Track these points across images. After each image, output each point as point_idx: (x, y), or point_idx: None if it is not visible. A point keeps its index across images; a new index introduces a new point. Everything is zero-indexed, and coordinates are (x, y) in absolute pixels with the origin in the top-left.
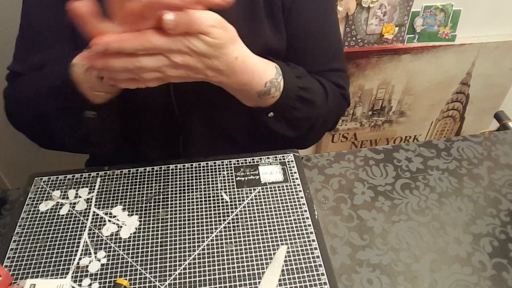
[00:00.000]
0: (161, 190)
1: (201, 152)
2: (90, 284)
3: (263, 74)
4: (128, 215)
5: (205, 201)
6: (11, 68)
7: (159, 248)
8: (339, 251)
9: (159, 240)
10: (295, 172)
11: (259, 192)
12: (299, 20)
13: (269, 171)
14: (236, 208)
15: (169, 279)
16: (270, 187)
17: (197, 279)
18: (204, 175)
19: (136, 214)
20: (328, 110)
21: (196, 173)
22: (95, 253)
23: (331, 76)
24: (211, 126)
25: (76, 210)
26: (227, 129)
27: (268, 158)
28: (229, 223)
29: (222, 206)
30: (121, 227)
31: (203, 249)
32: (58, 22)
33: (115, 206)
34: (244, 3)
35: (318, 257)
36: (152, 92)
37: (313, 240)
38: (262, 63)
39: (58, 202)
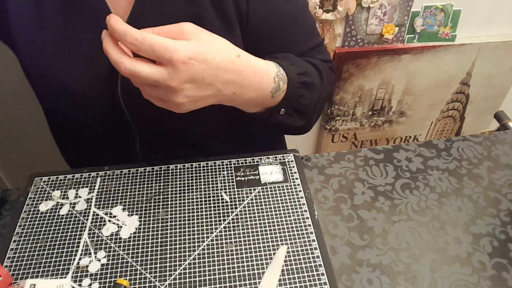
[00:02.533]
0: (161, 190)
1: (160, 155)
2: (90, 284)
3: (269, 70)
4: (128, 215)
5: (205, 201)
6: None
7: (159, 248)
8: (339, 251)
9: (159, 240)
10: (295, 172)
11: (259, 192)
12: (262, 18)
13: (269, 171)
14: (236, 208)
15: (169, 279)
16: (270, 187)
17: (197, 279)
18: (204, 175)
19: (136, 214)
20: (325, 88)
21: (196, 173)
22: (95, 253)
23: (314, 53)
24: (166, 128)
25: (76, 210)
26: (183, 130)
27: (268, 158)
28: (229, 223)
29: (222, 206)
30: (121, 227)
31: (203, 249)
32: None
33: (115, 206)
34: (188, 10)
35: (318, 257)
36: (97, 93)
37: (313, 240)
38: (262, 61)
39: (58, 202)
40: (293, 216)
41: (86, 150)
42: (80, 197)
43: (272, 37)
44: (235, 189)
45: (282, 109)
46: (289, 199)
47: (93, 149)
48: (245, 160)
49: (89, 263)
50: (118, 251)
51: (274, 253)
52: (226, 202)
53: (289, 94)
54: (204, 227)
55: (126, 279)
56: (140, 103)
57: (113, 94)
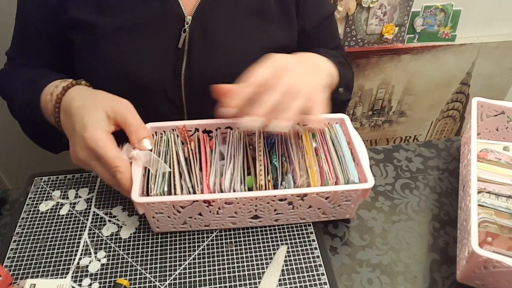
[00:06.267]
0: None
1: None
2: (90, 284)
3: (327, 61)
4: (128, 215)
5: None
6: (8, 52)
7: (159, 248)
8: (339, 251)
9: (159, 240)
10: None
11: None
12: (312, 12)
13: None
14: None
15: (169, 279)
16: None
17: (197, 279)
18: None
19: (136, 214)
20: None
21: None
22: (95, 253)
23: (338, 51)
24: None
25: (76, 210)
26: None
27: None
28: None
29: None
30: (121, 227)
31: (203, 249)
32: (45, 24)
33: (115, 206)
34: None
35: (318, 257)
36: (159, 75)
37: (313, 240)
38: (319, 56)
39: (58, 202)
40: None
41: None
42: (80, 197)
43: (312, 34)
44: None
45: (341, 88)
46: None
47: None
48: None
49: (89, 263)
50: (118, 251)
51: (274, 253)
52: None
53: (339, 74)
54: (204, 227)
55: (126, 279)
56: (200, 88)
57: (175, 74)
